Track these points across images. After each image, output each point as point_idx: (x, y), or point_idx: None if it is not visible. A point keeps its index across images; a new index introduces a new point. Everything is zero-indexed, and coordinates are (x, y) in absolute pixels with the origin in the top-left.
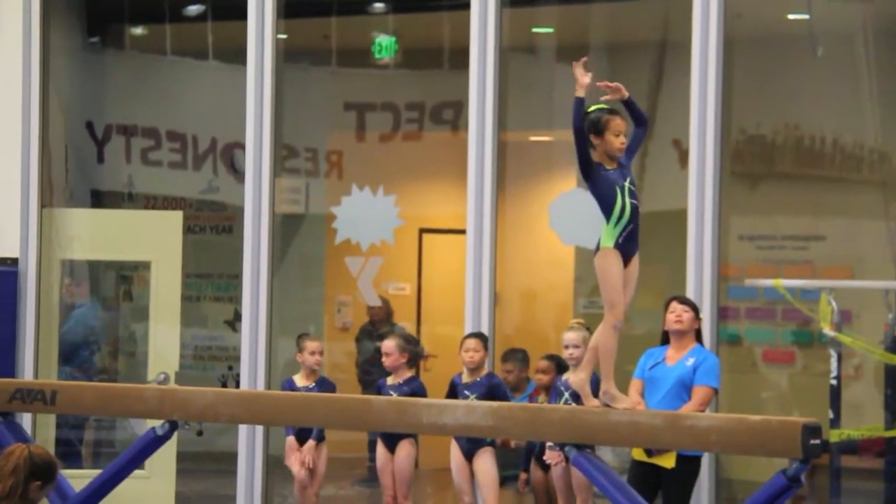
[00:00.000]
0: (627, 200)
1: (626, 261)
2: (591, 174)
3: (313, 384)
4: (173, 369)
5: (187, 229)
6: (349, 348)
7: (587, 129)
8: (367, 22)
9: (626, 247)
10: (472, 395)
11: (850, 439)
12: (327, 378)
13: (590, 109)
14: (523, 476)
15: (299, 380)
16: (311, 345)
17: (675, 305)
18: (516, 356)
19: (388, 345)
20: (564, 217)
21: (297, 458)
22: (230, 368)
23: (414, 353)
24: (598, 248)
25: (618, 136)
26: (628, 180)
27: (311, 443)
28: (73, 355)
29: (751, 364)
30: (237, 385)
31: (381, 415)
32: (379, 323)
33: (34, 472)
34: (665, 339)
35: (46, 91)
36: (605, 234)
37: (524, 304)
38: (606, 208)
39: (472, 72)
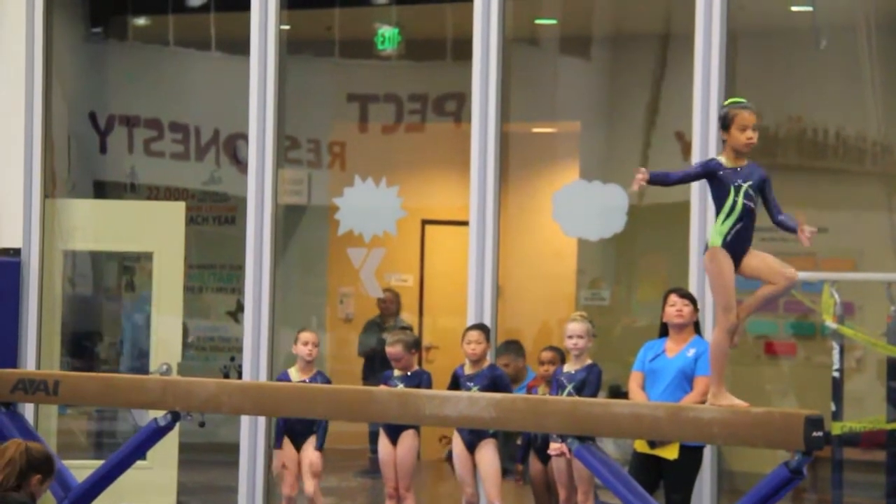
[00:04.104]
0: (740, 200)
1: (737, 260)
2: (708, 181)
3: (308, 378)
4: (175, 360)
5: (190, 220)
6: (352, 339)
7: (719, 124)
8: (370, 13)
9: (736, 245)
10: (474, 387)
11: (853, 431)
12: (324, 372)
13: (725, 103)
14: (519, 468)
15: (294, 373)
16: (303, 336)
17: (674, 298)
18: (511, 348)
19: (395, 351)
20: (567, 208)
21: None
22: (232, 359)
23: (416, 342)
24: (706, 248)
25: (744, 130)
26: (748, 183)
27: (313, 454)
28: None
29: (753, 356)
30: (239, 376)
31: (384, 406)
32: (386, 316)
33: (32, 465)
34: (663, 332)
35: (49, 82)
36: (714, 232)
37: (527, 296)
38: (718, 205)
39: (476, 63)
